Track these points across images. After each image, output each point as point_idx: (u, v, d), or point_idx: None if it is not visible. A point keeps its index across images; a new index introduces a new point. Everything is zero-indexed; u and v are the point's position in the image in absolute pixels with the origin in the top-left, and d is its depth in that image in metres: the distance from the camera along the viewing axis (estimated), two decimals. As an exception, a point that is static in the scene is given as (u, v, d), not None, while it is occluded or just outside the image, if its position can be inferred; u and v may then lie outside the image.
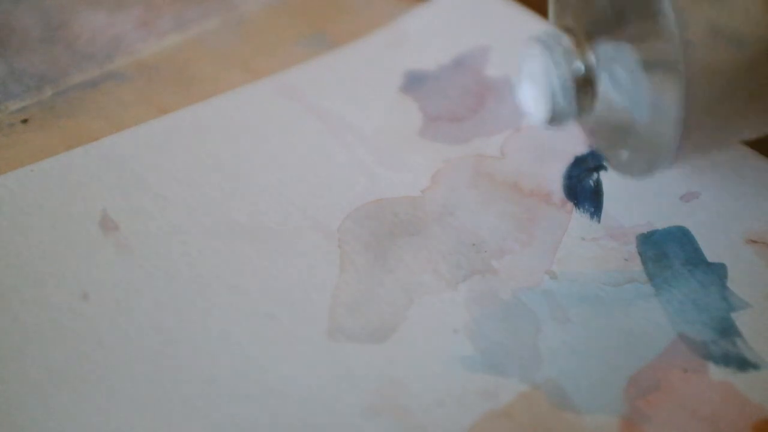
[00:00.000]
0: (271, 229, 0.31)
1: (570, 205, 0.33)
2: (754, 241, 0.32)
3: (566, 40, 0.25)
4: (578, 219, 0.32)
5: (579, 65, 0.25)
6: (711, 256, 0.31)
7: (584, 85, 0.25)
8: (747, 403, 0.27)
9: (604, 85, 0.25)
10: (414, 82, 0.37)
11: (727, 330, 0.29)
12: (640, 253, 0.31)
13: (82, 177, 0.32)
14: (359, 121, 0.35)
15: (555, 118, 0.26)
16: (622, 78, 0.24)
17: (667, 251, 0.31)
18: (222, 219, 0.32)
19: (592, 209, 0.32)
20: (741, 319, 0.29)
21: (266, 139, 0.35)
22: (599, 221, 0.32)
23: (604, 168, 0.34)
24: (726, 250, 0.31)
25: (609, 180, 0.33)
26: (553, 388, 0.27)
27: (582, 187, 0.33)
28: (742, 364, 0.28)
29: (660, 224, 0.32)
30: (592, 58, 0.25)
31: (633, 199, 0.33)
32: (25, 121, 0.34)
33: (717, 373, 0.28)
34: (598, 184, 0.33)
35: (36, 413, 0.26)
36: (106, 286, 0.29)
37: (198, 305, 0.29)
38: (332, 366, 0.28)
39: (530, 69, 0.25)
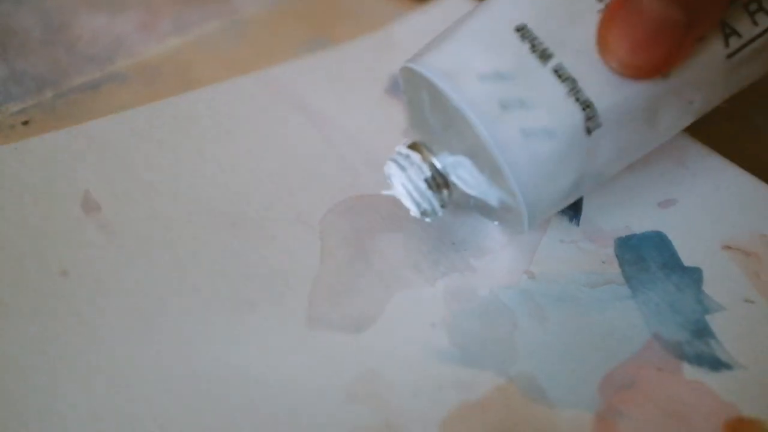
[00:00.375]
0: (252, 219, 0.31)
1: (550, 207, 0.33)
2: (730, 248, 0.32)
3: (415, 156, 0.29)
4: (557, 222, 0.33)
5: (429, 174, 0.29)
6: (687, 260, 0.32)
7: (439, 186, 0.29)
8: (719, 402, 0.28)
9: (455, 183, 0.29)
10: (399, 85, 0.37)
11: (702, 331, 0.30)
12: (617, 256, 0.32)
13: (66, 157, 0.32)
14: (344, 120, 0.35)
15: (425, 215, 0.30)
16: (467, 178, 0.29)
17: (645, 255, 0.32)
18: (205, 207, 0.32)
19: (571, 213, 0.33)
20: (715, 322, 0.30)
21: (252, 131, 0.35)
22: (578, 224, 0.33)
23: (584, 175, 0.35)
24: (702, 255, 0.32)
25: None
26: (527, 382, 0.28)
27: (561, 191, 0.34)
28: (715, 364, 0.29)
29: (638, 229, 0.32)
30: (438, 165, 0.29)
31: (612, 204, 0.33)
32: (25, 122, 0.34)
33: (690, 372, 0.29)
34: (577, 191, 0.34)
35: (12, 388, 0.26)
36: (86, 264, 0.29)
37: (178, 289, 0.29)
38: (311, 354, 0.28)
39: (395, 183, 0.30)
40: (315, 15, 0.41)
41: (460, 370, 0.28)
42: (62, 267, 0.29)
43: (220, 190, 0.32)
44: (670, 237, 0.32)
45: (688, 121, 0.30)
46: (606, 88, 0.27)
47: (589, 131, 0.27)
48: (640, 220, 0.33)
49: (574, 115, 0.27)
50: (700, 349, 0.29)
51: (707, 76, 0.28)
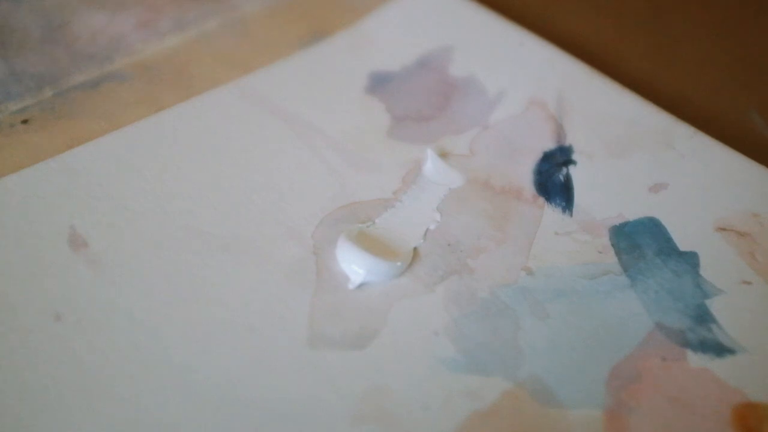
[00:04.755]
0: (245, 239, 0.31)
1: (542, 200, 0.33)
2: (724, 229, 0.32)
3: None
4: (551, 214, 0.33)
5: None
6: (682, 245, 0.32)
7: None
8: (726, 388, 0.28)
9: None
10: (378, 83, 0.37)
11: (703, 317, 0.30)
12: (613, 245, 0.32)
13: (46, 192, 0.31)
14: (326, 124, 0.35)
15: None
16: None
17: (640, 242, 0.32)
18: (194, 231, 0.31)
19: (564, 203, 0.33)
20: (715, 306, 0.30)
21: (233, 146, 0.34)
22: (571, 215, 0.33)
23: (573, 162, 0.34)
24: (697, 239, 0.32)
25: (578, 174, 0.34)
26: (536, 384, 0.27)
27: (552, 182, 0.34)
28: (719, 350, 0.29)
29: (631, 215, 0.32)
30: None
31: (603, 192, 0.33)
32: (25, 121, 0.34)
33: (695, 359, 0.29)
34: (567, 179, 0.34)
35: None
36: (79, 305, 0.28)
37: (176, 320, 0.28)
38: (315, 375, 0.27)
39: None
40: (314, 11, 0.41)
41: (468, 378, 0.27)
42: (55, 311, 0.28)
43: (209, 212, 0.31)
44: (664, 222, 0.32)
45: None
46: None
47: None
48: (633, 207, 0.33)
49: None
50: (703, 336, 0.29)
51: None
